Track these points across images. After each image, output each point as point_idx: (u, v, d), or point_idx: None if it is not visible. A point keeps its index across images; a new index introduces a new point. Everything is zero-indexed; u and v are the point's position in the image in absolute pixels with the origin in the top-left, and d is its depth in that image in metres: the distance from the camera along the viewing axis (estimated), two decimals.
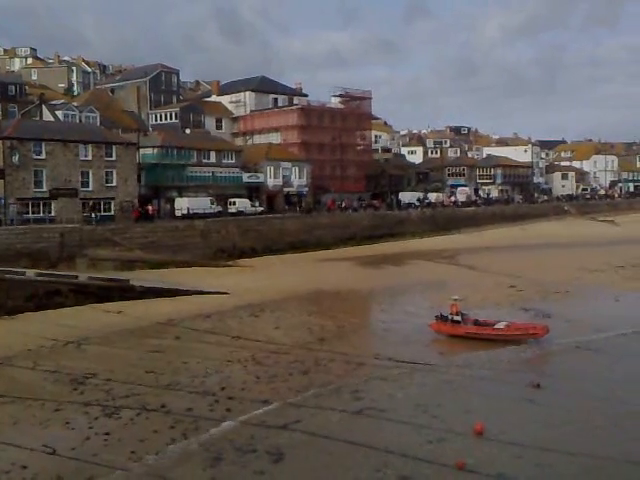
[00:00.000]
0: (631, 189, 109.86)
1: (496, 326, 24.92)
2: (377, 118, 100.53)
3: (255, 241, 49.25)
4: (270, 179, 62.58)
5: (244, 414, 17.39)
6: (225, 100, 77.64)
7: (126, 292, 32.21)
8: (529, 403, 18.10)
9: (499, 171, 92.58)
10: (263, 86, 78.56)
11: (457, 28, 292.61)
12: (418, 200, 72.93)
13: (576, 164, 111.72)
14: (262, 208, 58.18)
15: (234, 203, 55.50)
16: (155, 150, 54.94)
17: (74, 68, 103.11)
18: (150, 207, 49.68)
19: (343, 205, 64.48)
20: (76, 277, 32.96)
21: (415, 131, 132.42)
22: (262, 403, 18.21)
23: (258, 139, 72.02)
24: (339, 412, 17.40)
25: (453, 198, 78.41)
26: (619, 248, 53.26)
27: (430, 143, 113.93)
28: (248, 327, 27.55)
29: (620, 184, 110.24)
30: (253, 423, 16.76)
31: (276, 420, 16.89)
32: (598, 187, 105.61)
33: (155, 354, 23.42)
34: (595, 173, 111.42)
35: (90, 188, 46.36)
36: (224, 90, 79.85)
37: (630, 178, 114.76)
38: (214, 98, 79.24)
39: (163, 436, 15.98)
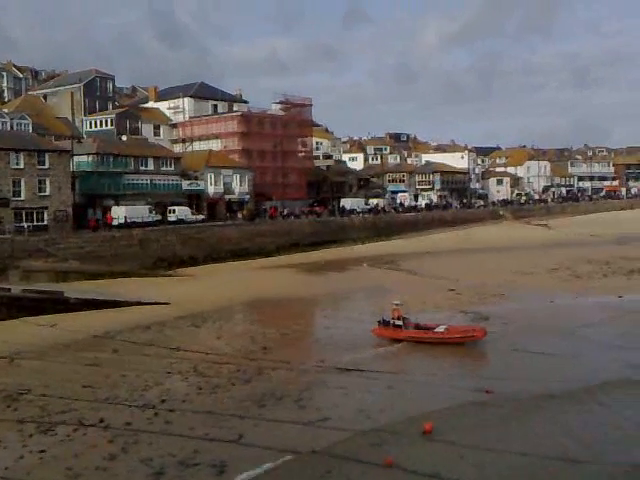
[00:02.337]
0: (563, 194, 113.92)
1: (436, 330, 25.32)
2: (318, 125, 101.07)
3: (196, 250, 48.53)
4: (211, 186, 61.93)
5: (185, 427, 17.04)
6: (163, 106, 76.46)
7: (60, 304, 31.07)
8: (472, 405, 18.41)
9: (437, 177, 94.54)
10: (202, 92, 77.82)
11: (396, 35, 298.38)
12: (366, 204, 73.58)
13: (510, 170, 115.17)
14: (203, 216, 57.46)
15: (174, 211, 54.62)
16: (90, 158, 53.56)
17: (4, 73, 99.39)
18: (109, 216, 48.35)
19: (285, 212, 64.38)
20: (8, 290, 31.64)
21: (356, 138, 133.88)
22: (204, 415, 17.90)
23: (198, 146, 71.16)
24: (281, 422, 17.24)
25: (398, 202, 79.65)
26: (553, 251, 55.11)
27: (370, 150, 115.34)
28: (189, 338, 27.04)
29: (553, 189, 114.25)
30: (195, 436, 16.42)
31: (221, 432, 16.61)
32: (532, 192, 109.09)
33: (92, 368, 22.68)
34: (529, 178, 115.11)
35: (22, 197, 44.76)
36: (162, 96, 78.62)
37: (562, 183, 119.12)
38: (151, 104, 77.92)
39: (101, 451, 15.51)
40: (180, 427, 17.03)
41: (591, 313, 29.93)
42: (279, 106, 75.87)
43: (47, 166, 46.23)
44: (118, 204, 52.50)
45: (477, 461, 14.82)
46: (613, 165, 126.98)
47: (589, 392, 19.27)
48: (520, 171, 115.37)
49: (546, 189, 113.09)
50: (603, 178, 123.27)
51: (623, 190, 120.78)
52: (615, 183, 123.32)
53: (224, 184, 63.04)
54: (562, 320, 28.47)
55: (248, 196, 65.13)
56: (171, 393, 19.85)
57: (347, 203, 73.42)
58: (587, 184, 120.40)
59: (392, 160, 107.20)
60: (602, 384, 19.83)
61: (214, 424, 17.17)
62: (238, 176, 64.41)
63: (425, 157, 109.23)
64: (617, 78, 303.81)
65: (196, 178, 61.33)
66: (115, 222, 48.90)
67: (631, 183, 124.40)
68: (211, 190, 61.91)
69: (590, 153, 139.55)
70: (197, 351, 24.41)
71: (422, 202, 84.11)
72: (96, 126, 68.22)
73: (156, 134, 72.03)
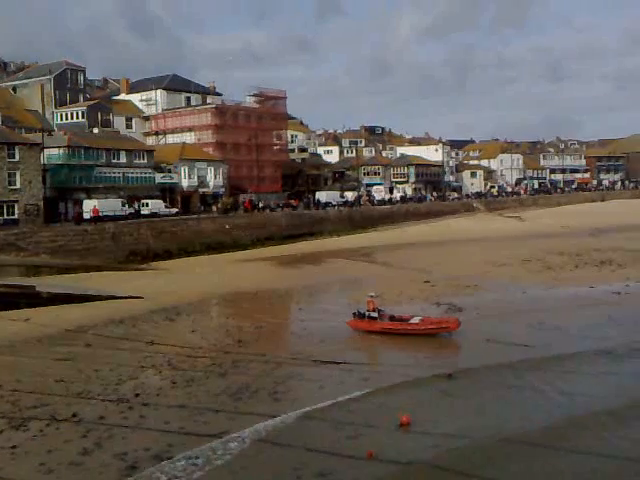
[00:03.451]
0: (535, 186, 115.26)
1: (411, 321, 25.48)
2: (293, 118, 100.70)
3: (170, 243, 48.20)
4: (185, 179, 61.49)
5: (160, 421, 16.95)
6: (135, 99, 75.59)
7: (32, 299, 30.65)
8: (447, 395, 18.59)
9: (412, 170, 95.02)
10: (175, 84, 77.07)
11: (371, 28, 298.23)
12: (341, 196, 73.91)
13: (484, 163, 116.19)
14: (176, 209, 57.03)
15: (147, 204, 54.13)
16: (61, 151, 52.81)
17: None
18: (95, 208, 47.67)
19: (260, 205, 64.22)
20: None
21: (331, 131, 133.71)
22: (179, 408, 17.82)
23: (171, 139, 70.60)
24: (257, 415, 17.23)
25: (374, 195, 79.91)
26: (525, 242, 55.80)
27: (346, 143, 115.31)
28: (163, 331, 26.85)
29: (525, 181, 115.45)
30: (170, 430, 16.34)
31: (195, 425, 16.55)
32: (505, 185, 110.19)
33: (65, 362, 22.43)
34: (502, 171, 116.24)
35: None
36: (134, 88, 77.72)
37: (535, 176, 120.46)
38: (123, 96, 76.99)
39: (74, 446, 15.35)
40: (154, 421, 16.95)
41: (562, 304, 30.35)
42: (253, 99, 75.47)
43: (17, 159, 45.49)
44: (90, 197, 51.86)
45: (454, 449, 15.01)
46: (585, 158, 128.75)
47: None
48: (493, 164, 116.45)
49: (519, 182, 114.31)
50: (575, 171, 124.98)
51: (595, 182, 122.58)
52: (587, 175, 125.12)
53: (198, 177, 62.64)
54: (534, 311, 28.84)
55: (223, 189, 64.82)
56: (145, 387, 19.73)
57: (322, 196, 73.45)
58: (559, 176, 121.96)
59: (367, 153, 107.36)
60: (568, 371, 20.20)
61: (189, 418, 17.11)
62: (212, 169, 64.04)
63: (400, 150, 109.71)
64: (589, 72, 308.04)
65: (169, 171, 60.82)
66: (87, 215, 48.27)
67: (602, 175, 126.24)
68: (185, 183, 61.45)
69: (562, 146, 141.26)
70: (171, 345, 24.29)
71: (397, 195, 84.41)
72: (67, 119, 67.15)
73: (128, 127, 71.25)
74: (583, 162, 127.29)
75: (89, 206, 49.28)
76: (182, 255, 47.97)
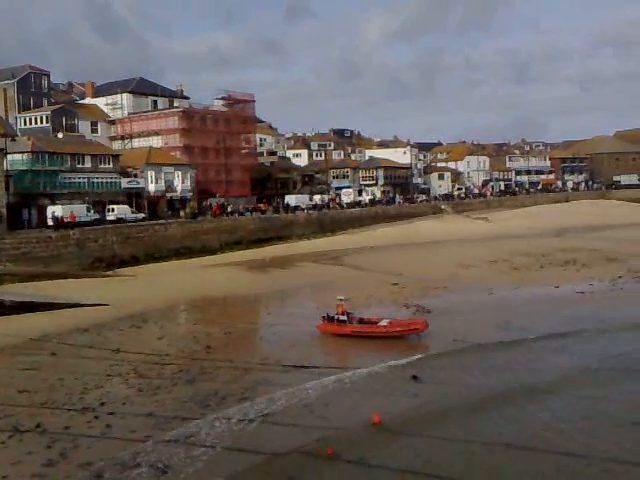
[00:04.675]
0: (502, 188, 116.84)
1: (380, 323, 25.61)
2: (262, 121, 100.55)
3: (136, 249, 47.63)
4: (151, 184, 60.82)
5: (126, 429, 16.72)
6: (101, 102, 74.63)
7: None
8: (414, 397, 18.70)
9: (381, 172, 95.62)
10: (141, 88, 76.25)
11: (339, 30, 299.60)
12: (310, 200, 74.13)
13: (451, 165, 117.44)
14: (143, 215, 56.36)
15: (113, 210, 53.37)
16: (25, 156, 51.81)
17: None
18: (72, 215, 46.91)
19: (229, 209, 63.87)
20: None
21: (300, 134, 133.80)
22: (146, 417, 17.60)
23: (137, 143, 69.82)
24: (226, 421, 17.12)
25: (340, 199, 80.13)
26: (492, 244, 56.48)
27: (315, 146, 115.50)
28: (130, 339, 26.49)
29: (492, 183, 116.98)
30: (136, 438, 16.13)
31: (162, 433, 16.37)
32: (472, 186, 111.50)
33: (29, 372, 21.99)
34: (469, 173, 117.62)
35: None
36: (99, 92, 76.71)
37: (501, 177, 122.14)
38: (89, 100, 75.96)
39: (39, 457, 15.06)
40: (121, 430, 16.72)
41: (528, 304, 30.80)
42: (221, 102, 75.14)
43: None
44: (54, 203, 50.94)
45: (425, 450, 15.15)
46: (549, 159, 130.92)
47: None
48: (461, 166, 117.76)
49: (485, 183, 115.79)
50: (540, 172, 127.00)
51: (559, 183, 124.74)
52: (551, 177, 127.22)
53: (165, 182, 62.03)
54: (500, 311, 29.24)
55: (191, 193, 64.26)
56: (111, 396, 19.44)
57: (292, 199, 73.37)
58: (525, 178, 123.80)
59: (336, 156, 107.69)
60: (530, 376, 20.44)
61: (156, 426, 16.91)
62: (180, 173, 63.46)
63: (369, 153, 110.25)
64: (554, 74, 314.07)
65: (136, 176, 60.10)
66: (51, 222, 47.37)
67: (567, 177, 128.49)
68: (152, 188, 60.80)
69: (527, 148, 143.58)
70: (138, 352, 23.97)
71: (366, 197, 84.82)
72: (31, 123, 65.83)
73: (94, 131, 70.28)
74: (548, 164, 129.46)
75: (53, 212, 48.37)
76: (149, 261, 47.48)
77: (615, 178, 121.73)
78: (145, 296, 34.65)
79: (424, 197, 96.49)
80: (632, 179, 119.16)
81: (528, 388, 19.03)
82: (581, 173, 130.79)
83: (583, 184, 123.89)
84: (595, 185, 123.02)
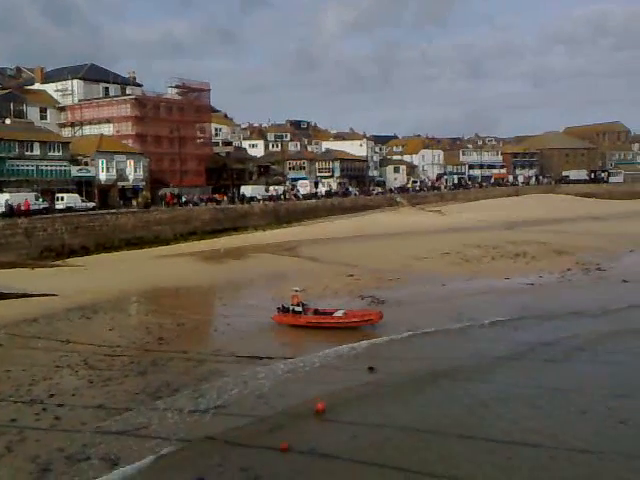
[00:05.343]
0: (455, 181, 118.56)
1: (335, 315, 25.70)
2: (217, 111, 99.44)
3: (87, 239, 46.59)
4: (102, 173, 59.45)
5: (76, 421, 16.37)
6: (50, 88, 72.43)
7: None
8: (366, 385, 18.86)
9: (337, 165, 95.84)
10: (93, 74, 74.29)
11: (297, 21, 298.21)
12: (266, 191, 73.94)
13: (407, 158, 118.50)
14: (94, 203, 55.12)
15: (62, 198, 52.06)
16: None
17: None
18: (27, 202, 45.58)
19: (183, 199, 63.02)
20: None
21: (256, 124, 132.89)
22: (96, 408, 17.25)
23: (88, 130, 68.12)
24: (178, 412, 16.91)
25: (298, 190, 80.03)
26: (445, 236, 57.29)
27: (271, 137, 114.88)
28: (80, 330, 25.89)
29: (446, 176, 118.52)
30: (86, 430, 15.80)
31: (113, 425, 16.09)
32: (427, 179, 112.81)
33: None
34: (424, 166, 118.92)
35: None
36: (49, 78, 74.43)
37: (454, 171, 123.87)
38: (38, 86, 73.56)
39: None
40: (70, 422, 16.39)
41: (479, 295, 31.39)
42: (175, 90, 73.81)
43: None
44: (1, 191, 49.38)
45: (368, 437, 15.31)
46: (501, 154, 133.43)
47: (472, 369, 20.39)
48: (416, 159, 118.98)
49: (440, 177, 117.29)
50: (492, 166, 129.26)
51: (511, 178, 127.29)
52: (503, 171, 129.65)
53: (117, 170, 60.70)
54: (452, 302, 29.72)
55: (143, 183, 63.10)
56: (60, 387, 19.01)
57: (247, 190, 72.84)
58: (477, 172, 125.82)
59: (293, 147, 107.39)
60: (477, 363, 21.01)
61: (106, 417, 16.61)
62: (132, 162, 62.17)
63: (325, 145, 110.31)
64: (507, 70, 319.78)
65: (86, 164, 58.68)
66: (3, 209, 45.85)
67: (518, 171, 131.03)
68: (103, 176, 59.46)
69: (480, 142, 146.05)
70: (88, 343, 23.48)
71: (322, 189, 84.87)
72: None
73: (43, 118, 68.26)
74: (500, 158, 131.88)
75: (12, 199, 46.77)
76: (100, 251, 46.59)
77: (564, 173, 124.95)
78: (95, 287, 33.90)
79: (380, 190, 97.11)
80: (580, 174, 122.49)
81: (452, 374, 19.74)
82: (532, 168, 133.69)
83: (533, 178, 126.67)
84: (545, 180, 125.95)
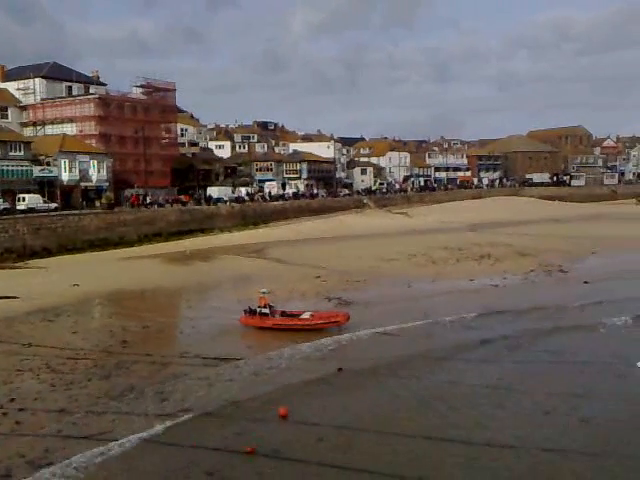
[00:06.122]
0: (422, 183, 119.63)
1: (302, 316, 25.68)
2: (183, 111, 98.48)
3: (49, 240, 45.72)
4: (65, 173, 58.39)
5: (37, 426, 16.02)
6: (11, 87, 70.87)
7: None
8: (332, 387, 18.87)
9: (305, 166, 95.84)
10: (55, 73, 72.91)
11: (264, 21, 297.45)
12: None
13: (374, 160, 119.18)
14: (56, 204, 54.08)
15: (23, 199, 51.01)
16: None
17: None
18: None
19: (148, 200, 62.23)
20: None
21: (223, 125, 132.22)
22: (58, 412, 16.90)
23: (51, 130, 66.81)
24: (143, 416, 16.67)
25: (265, 191, 79.87)
26: (412, 238, 57.73)
27: (238, 138, 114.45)
28: (41, 333, 25.34)
29: (412, 179, 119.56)
30: (48, 434, 15.47)
31: (75, 429, 15.77)
32: (393, 182, 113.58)
33: None
34: (390, 169, 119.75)
35: None
36: (10, 76, 72.79)
37: (421, 173, 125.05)
38: None
39: None
40: (31, 426, 16.06)
41: (444, 296, 31.72)
42: (140, 90, 72.86)
43: None
44: None
45: (332, 439, 15.33)
46: (467, 157, 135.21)
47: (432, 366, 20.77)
48: (383, 161, 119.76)
49: (406, 179, 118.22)
50: (457, 169, 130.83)
51: (475, 180, 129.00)
52: (468, 174, 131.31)
53: (80, 170, 59.65)
54: (418, 303, 29.97)
55: (107, 183, 62.12)
56: (21, 391, 18.58)
57: (214, 191, 72.37)
58: (443, 174, 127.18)
59: (260, 149, 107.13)
60: (440, 359, 21.45)
61: (68, 422, 16.29)
62: (96, 162, 61.16)
63: (292, 146, 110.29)
64: (472, 74, 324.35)
65: (48, 164, 57.57)
66: None
67: (482, 174, 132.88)
68: (65, 177, 58.38)
69: (446, 145, 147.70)
70: (50, 347, 23.01)
71: (289, 191, 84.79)
72: None
73: (3, 117, 66.85)
74: (465, 161, 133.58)
75: None
76: (62, 253, 45.77)
77: (528, 176, 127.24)
78: (58, 289, 33.24)
79: (347, 191, 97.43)
80: (543, 177, 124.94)
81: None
82: (496, 171, 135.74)
83: (498, 181, 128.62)
84: (509, 182, 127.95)
